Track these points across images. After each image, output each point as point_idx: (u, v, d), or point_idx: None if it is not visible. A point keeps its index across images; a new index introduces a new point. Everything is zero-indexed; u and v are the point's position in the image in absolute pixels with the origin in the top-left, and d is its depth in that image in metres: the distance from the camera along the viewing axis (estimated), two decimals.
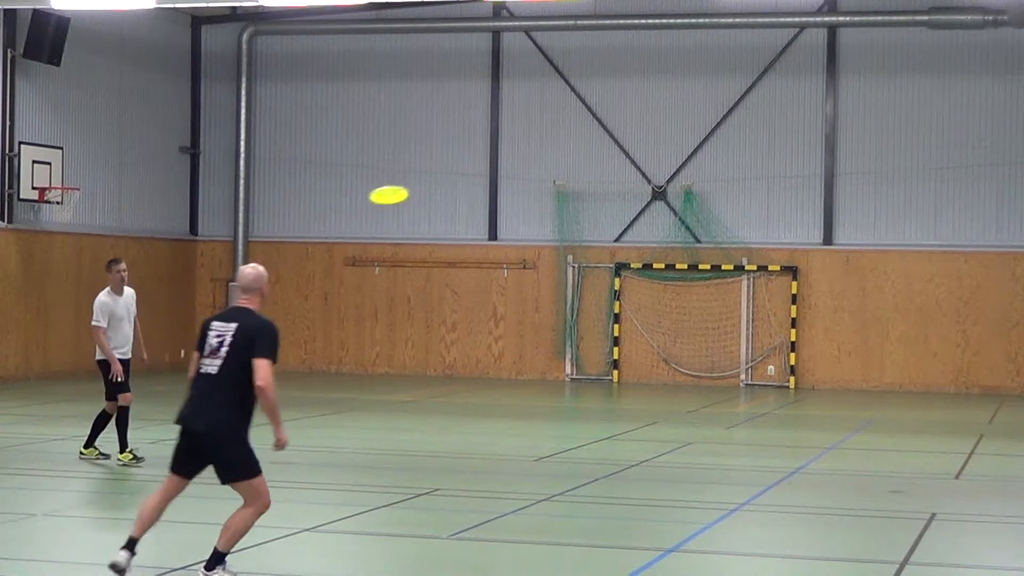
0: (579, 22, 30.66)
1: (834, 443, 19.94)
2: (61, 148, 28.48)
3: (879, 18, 29.71)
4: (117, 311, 16.06)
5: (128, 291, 16.32)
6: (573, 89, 31.35)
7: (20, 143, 27.60)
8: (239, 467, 9.81)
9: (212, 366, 9.81)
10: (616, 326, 30.85)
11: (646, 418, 23.36)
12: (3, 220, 27.47)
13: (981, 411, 25.40)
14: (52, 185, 27.92)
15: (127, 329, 16.21)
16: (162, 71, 32.07)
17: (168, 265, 32.16)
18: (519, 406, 25.39)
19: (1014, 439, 21.27)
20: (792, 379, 30.08)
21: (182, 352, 32.59)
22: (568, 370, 31.14)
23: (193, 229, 33.19)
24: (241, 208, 32.61)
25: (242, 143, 32.58)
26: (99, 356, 16.08)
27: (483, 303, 31.73)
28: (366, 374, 32.02)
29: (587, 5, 30.20)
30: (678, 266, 30.65)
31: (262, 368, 9.90)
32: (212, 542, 11.57)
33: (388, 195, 10.14)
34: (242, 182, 32.60)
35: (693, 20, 30.34)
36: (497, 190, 31.79)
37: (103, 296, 16.10)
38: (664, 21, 30.51)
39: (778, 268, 30.25)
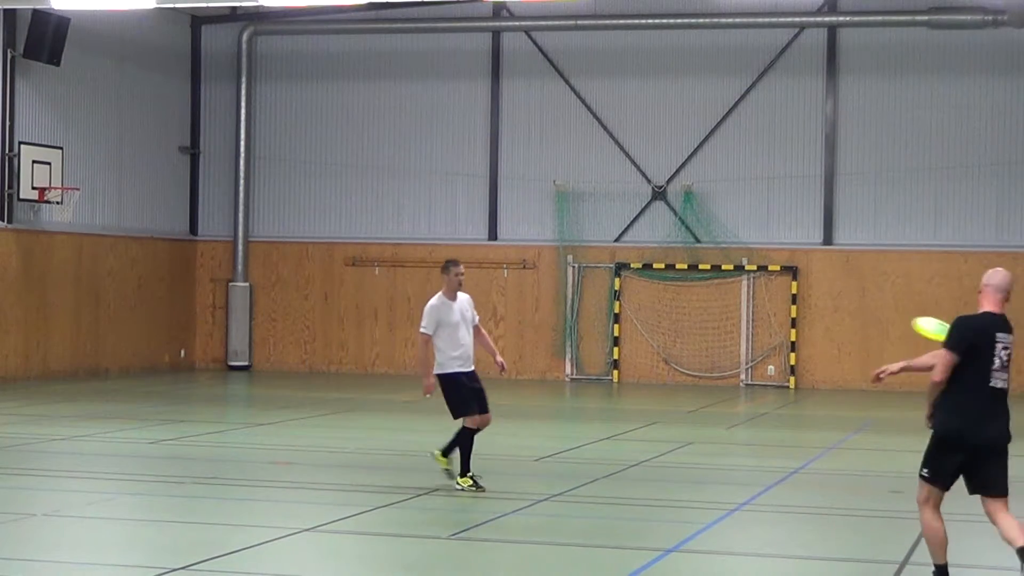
0: (579, 22, 30.65)
1: (834, 443, 19.94)
2: (61, 148, 28.47)
3: (879, 18, 29.72)
4: (450, 318, 14.57)
5: (463, 296, 14.83)
6: (573, 89, 31.35)
7: (20, 143, 27.59)
8: (1007, 481, 9.74)
9: (1002, 380, 9.47)
10: (616, 326, 30.84)
11: (646, 418, 23.36)
12: (3, 220, 27.46)
13: None
14: (52, 185, 27.91)
15: (465, 337, 14.59)
16: (162, 71, 32.06)
17: (168, 265, 32.16)
18: (519, 406, 25.37)
19: (1014, 439, 21.23)
20: (792, 379, 30.08)
21: (182, 352, 32.64)
22: (568, 370, 31.13)
23: (193, 229, 33.18)
24: (241, 208, 32.61)
25: (242, 143, 32.58)
26: (436, 369, 14.60)
27: (483, 303, 31.68)
28: (366, 374, 32.01)
29: (587, 5, 30.20)
30: (678, 266, 30.65)
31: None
32: (211, 542, 11.58)
33: (934, 329, 9.86)
34: (242, 182, 32.60)
35: (693, 20, 30.34)
36: (497, 190, 31.79)
37: (434, 301, 14.73)
38: (664, 21, 30.51)
39: (778, 268, 30.25)
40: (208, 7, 29.77)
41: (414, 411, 24.08)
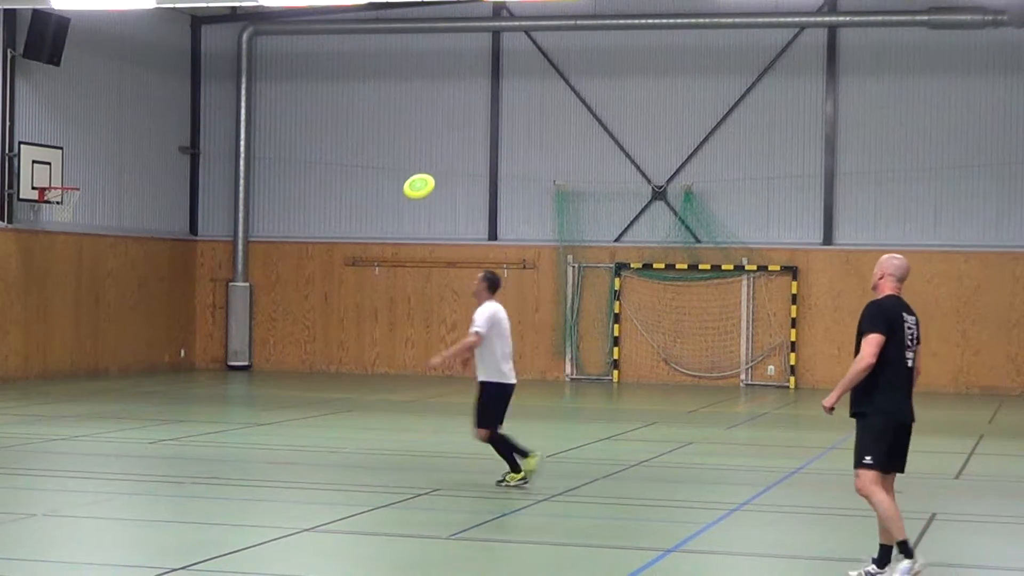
0: (579, 22, 30.66)
1: (834, 443, 19.94)
2: (61, 148, 28.47)
3: (879, 18, 29.72)
4: (503, 326, 14.77)
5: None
6: (573, 89, 31.36)
7: (20, 143, 27.59)
8: None
9: (912, 359, 10.02)
10: (616, 326, 30.85)
11: (646, 418, 23.36)
12: (3, 220, 27.46)
13: (981, 411, 25.39)
14: (52, 185, 27.91)
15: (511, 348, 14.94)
16: (162, 71, 32.07)
17: (168, 265, 32.16)
18: (519, 406, 25.26)
19: (1014, 439, 21.27)
20: (792, 379, 30.08)
21: (182, 352, 32.64)
22: (568, 370, 31.14)
23: (193, 229, 33.19)
24: (241, 208, 32.62)
25: (242, 143, 32.58)
26: (488, 376, 14.72)
27: None
28: (366, 374, 32.02)
29: (587, 5, 30.20)
30: (678, 266, 30.65)
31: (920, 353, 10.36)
32: (211, 542, 11.58)
33: (419, 186, 10.14)
34: (242, 182, 32.61)
35: (693, 20, 30.35)
36: (497, 190, 31.80)
37: (492, 308, 14.67)
38: (664, 21, 30.52)
39: (778, 268, 30.26)
40: (208, 7, 29.77)
41: (414, 411, 24.10)
